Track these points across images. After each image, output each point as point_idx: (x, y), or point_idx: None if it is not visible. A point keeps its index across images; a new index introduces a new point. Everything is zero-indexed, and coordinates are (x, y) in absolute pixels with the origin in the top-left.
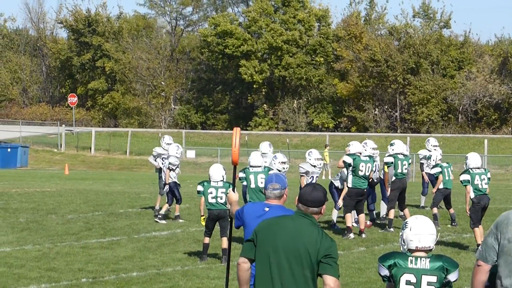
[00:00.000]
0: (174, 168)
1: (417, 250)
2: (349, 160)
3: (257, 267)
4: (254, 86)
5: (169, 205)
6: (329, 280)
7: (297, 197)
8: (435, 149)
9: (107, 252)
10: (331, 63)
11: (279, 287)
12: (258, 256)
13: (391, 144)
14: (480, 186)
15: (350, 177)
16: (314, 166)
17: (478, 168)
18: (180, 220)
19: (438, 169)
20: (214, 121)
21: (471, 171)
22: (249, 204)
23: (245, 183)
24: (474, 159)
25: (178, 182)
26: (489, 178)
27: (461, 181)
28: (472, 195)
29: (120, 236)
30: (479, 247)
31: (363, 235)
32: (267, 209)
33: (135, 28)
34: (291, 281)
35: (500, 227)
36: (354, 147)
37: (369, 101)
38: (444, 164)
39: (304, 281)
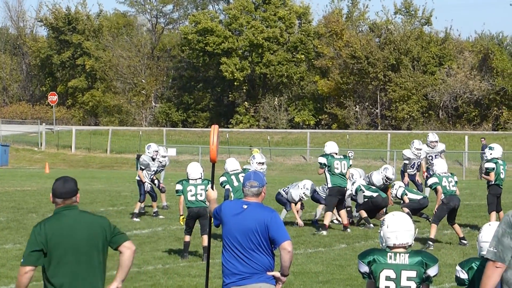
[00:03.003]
0: (143, 168)
1: (395, 247)
2: (323, 160)
3: (57, 270)
4: (235, 83)
5: (141, 202)
6: (128, 244)
7: (51, 194)
8: (417, 154)
9: None
10: (312, 60)
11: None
12: (55, 259)
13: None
14: (448, 188)
15: (328, 177)
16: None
17: (445, 172)
18: (160, 216)
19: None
20: (195, 119)
21: (438, 175)
22: (227, 202)
23: (227, 186)
24: (440, 166)
25: (152, 181)
26: (456, 182)
27: (430, 185)
28: (442, 196)
29: None
30: (492, 248)
31: (348, 230)
32: (245, 206)
33: (115, 26)
34: (92, 271)
35: None
36: (329, 147)
37: (350, 98)
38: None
39: (98, 267)
